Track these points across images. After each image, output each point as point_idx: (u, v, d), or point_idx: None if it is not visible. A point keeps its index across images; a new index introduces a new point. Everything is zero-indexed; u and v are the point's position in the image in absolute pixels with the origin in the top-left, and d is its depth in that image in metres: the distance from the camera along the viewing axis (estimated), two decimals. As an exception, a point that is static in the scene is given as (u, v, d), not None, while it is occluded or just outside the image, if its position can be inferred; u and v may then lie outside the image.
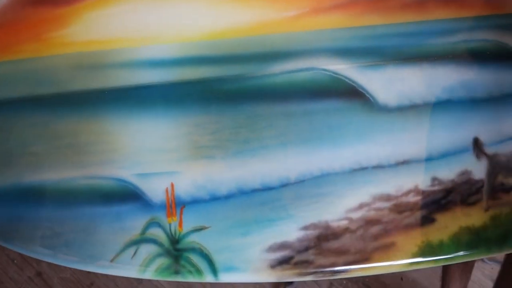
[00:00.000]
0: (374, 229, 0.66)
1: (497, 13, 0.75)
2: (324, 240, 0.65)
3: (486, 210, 0.70)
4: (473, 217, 0.69)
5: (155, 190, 0.64)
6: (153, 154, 0.65)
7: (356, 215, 0.66)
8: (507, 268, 1.09)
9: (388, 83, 0.70)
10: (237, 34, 0.68)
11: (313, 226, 0.65)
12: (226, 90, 0.67)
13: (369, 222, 0.66)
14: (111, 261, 0.64)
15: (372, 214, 0.67)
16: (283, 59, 0.68)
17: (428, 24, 0.72)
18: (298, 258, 0.64)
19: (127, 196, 0.64)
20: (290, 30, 0.69)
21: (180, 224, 0.64)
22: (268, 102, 0.67)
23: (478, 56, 0.73)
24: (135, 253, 0.64)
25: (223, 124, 0.66)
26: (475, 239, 0.69)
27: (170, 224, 0.64)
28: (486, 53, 0.73)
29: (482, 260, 1.52)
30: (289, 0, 0.70)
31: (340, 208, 0.66)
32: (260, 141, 0.66)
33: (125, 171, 0.65)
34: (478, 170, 0.71)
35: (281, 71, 0.68)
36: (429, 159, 0.69)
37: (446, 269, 1.12)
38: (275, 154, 0.66)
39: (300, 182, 0.66)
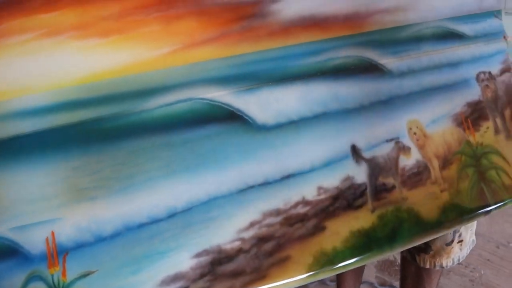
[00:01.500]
0: (268, 246, 0.58)
1: (356, 33, 0.71)
2: (218, 265, 0.55)
3: (373, 211, 0.64)
4: (362, 219, 0.63)
5: (35, 241, 0.52)
6: (30, 204, 0.54)
7: (248, 234, 0.57)
8: None
9: (264, 104, 0.63)
10: (112, 75, 0.60)
11: (206, 252, 0.55)
12: (105, 129, 0.57)
13: (261, 239, 0.58)
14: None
15: (264, 231, 0.58)
16: (160, 93, 0.60)
17: (295, 48, 0.68)
18: (193, 287, 0.54)
19: (4, 253, 0.52)
20: (165, 66, 0.62)
21: (64, 273, 0.52)
22: (149, 135, 0.59)
23: (344, 71, 0.69)
24: (15, 313, 0.51)
25: (104, 163, 0.56)
26: (366, 241, 0.62)
27: (52, 275, 0.52)
28: (351, 67, 0.69)
29: (323, 283, 1.45)
30: (161, 39, 0.62)
31: (231, 229, 0.57)
32: (144, 174, 0.57)
33: (0, 227, 0.52)
34: (360, 174, 0.65)
35: (160, 105, 0.59)
36: (312, 169, 0.63)
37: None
38: (160, 186, 0.57)
39: (188, 209, 0.57)
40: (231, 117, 0.62)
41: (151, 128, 0.59)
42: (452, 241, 0.87)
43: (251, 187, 0.60)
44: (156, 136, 0.59)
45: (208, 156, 0.59)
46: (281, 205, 0.60)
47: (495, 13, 0.84)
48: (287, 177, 0.61)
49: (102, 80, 0.59)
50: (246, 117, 0.62)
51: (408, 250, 0.93)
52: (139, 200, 0.56)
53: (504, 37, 0.83)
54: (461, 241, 0.87)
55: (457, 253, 0.89)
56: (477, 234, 0.90)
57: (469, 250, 0.88)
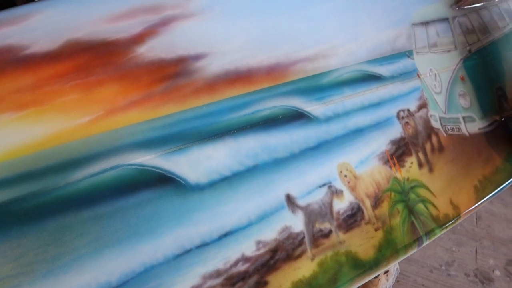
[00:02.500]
0: (210, 311, 0.57)
1: (280, 83, 0.74)
2: None
3: (312, 259, 0.65)
4: (302, 269, 0.64)
5: None
6: None
7: (189, 301, 0.56)
8: None
9: (195, 163, 0.64)
10: (30, 150, 0.58)
11: (145, 327, 0.54)
12: (26, 209, 0.55)
13: (203, 305, 0.57)
14: None
15: (205, 295, 0.57)
16: (85, 164, 0.59)
17: (222, 103, 0.69)
18: None
19: None
20: (88, 135, 0.61)
21: None
22: (75, 210, 0.57)
23: (272, 121, 0.71)
24: None
25: (27, 246, 0.54)
26: (309, 290, 0.63)
27: None
28: (279, 117, 0.72)
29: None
30: (81, 107, 0.62)
31: (171, 299, 0.56)
32: (72, 253, 0.55)
33: None
34: (297, 223, 0.67)
35: (85, 176, 0.58)
36: (250, 224, 0.64)
37: None
38: (91, 262, 0.55)
39: (124, 284, 0.55)
40: (163, 181, 0.62)
41: (78, 202, 0.57)
42: None
43: (189, 250, 0.59)
44: (83, 210, 0.57)
45: (141, 224, 0.59)
46: (221, 265, 0.60)
47: (407, 53, 0.91)
48: (225, 235, 0.62)
49: (20, 157, 0.57)
50: (178, 179, 0.62)
51: None
52: (68, 281, 0.53)
53: (418, 75, 0.91)
54: (387, 271, 0.91)
55: (384, 284, 0.92)
56: (411, 260, 0.95)
57: (394, 280, 0.92)
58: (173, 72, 0.68)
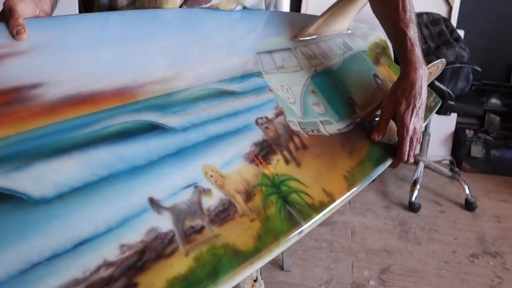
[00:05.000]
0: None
1: (128, 102, 0.78)
2: None
3: (186, 254, 0.64)
4: (176, 265, 0.63)
5: None
6: None
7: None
8: None
9: (39, 179, 0.63)
10: None
11: None
12: None
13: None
14: None
15: (62, 307, 0.53)
16: None
17: (65, 123, 0.70)
18: None
19: None
20: None
21: None
22: None
23: (125, 134, 0.73)
24: None
25: None
26: (186, 285, 0.62)
27: None
28: (132, 130, 0.74)
29: None
30: None
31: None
32: None
33: None
34: (164, 223, 0.67)
35: None
36: (109, 230, 0.62)
37: None
38: None
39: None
40: (-1, 199, 0.58)
41: None
42: None
43: (37, 264, 0.55)
44: None
45: (-26, 244, 0.54)
46: (79, 273, 0.56)
47: (257, 74, 1.02)
48: (81, 244, 0.59)
49: None
50: (19, 195, 0.60)
51: None
52: None
53: (270, 89, 1.01)
54: None
55: None
56: (292, 285, 0.96)
57: None
58: (6, 100, 0.68)
